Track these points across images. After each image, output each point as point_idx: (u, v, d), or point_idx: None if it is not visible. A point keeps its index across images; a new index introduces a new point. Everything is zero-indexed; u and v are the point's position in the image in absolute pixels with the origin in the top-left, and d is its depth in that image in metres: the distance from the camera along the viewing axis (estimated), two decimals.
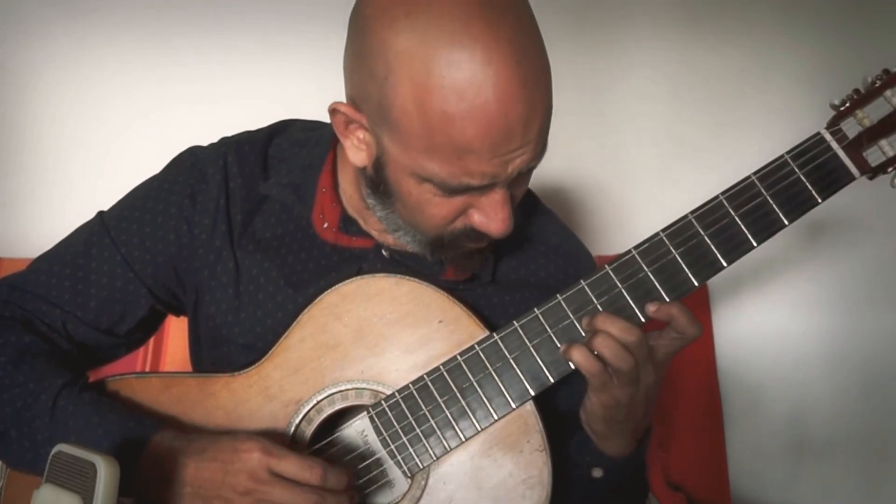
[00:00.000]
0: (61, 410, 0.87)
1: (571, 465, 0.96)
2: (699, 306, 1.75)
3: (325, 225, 0.96)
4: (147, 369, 1.56)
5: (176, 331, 1.56)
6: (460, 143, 0.76)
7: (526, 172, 0.84)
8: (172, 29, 1.71)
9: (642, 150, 1.82)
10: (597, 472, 0.95)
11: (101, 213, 1.01)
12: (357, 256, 0.96)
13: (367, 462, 0.93)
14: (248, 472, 0.81)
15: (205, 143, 1.04)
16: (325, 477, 0.81)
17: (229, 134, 1.05)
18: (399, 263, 0.96)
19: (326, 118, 0.89)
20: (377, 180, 0.86)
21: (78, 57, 1.70)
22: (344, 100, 0.86)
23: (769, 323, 1.83)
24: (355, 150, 0.87)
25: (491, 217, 0.83)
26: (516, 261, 1.01)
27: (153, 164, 1.04)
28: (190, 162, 1.00)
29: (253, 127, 1.06)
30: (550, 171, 1.76)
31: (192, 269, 0.98)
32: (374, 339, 0.92)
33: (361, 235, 0.97)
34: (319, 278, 0.95)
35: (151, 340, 1.52)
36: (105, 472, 0.69)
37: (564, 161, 1.80)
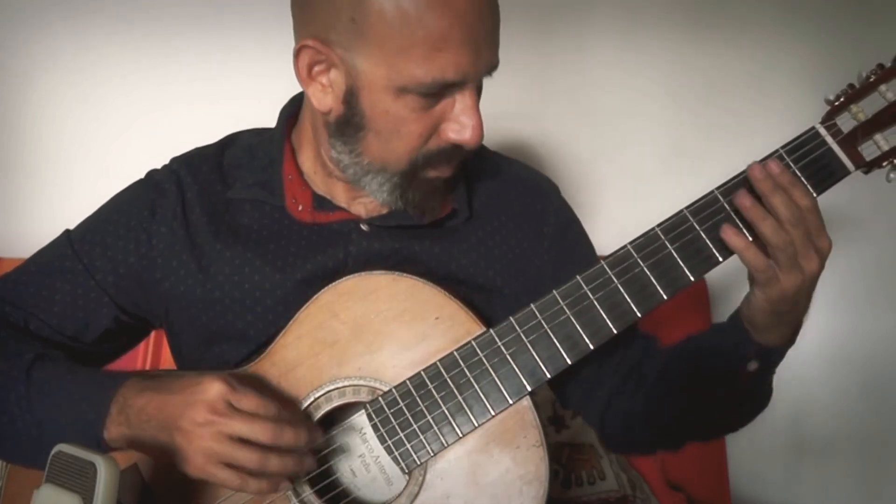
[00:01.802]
0: (35, 381, 0.89)
1: (716, 368, 0.94)
2: (699, 306, 1.74)
3: (300, 208, 0.98)
4: (147, 367, 1.56)
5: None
6: (438, 30, 0.80)
7: (479, 87, 0.89)
8: (172, 29, 1.71)
9: (639, 146, 1.81)
10: (752, 366, 0.92)
11: (67, 231, 1.03)
12: (337, 232, 0.98)
13: (365, 458, 0.93)
14: (207, 403, 0.81)
15: (205, 140, 1.06)
16: (279, 412, 0.83)
17: (228, 133, 1.08)
18: (382, 231, 0.98)
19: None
20: (348, 115, 0.88)
21: (78, 57, 1.70)
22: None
23: None
24: (321, 95, 0.89)
25: (464, 124, 0.87)
26: (485, 195, 1.05)
27: (152, 164, 1.05)
28: (149, 182, 1.03)
29: (253, 125, 1.08)
30: (549, 169, 1.77)
31: (153, 280, 0.99)
32: (372, 335, 0.92)
33: (336, 210, 0.98)
34: (306, 261, 0.97)
35: (152, 338, 1.54)
36: (105, 472, 0.70)
37: (563, 159, 1.80)
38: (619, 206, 1.81)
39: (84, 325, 0.99)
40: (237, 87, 1.71)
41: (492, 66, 0.87)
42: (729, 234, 0.85)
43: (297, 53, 0.87)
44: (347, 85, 0.86)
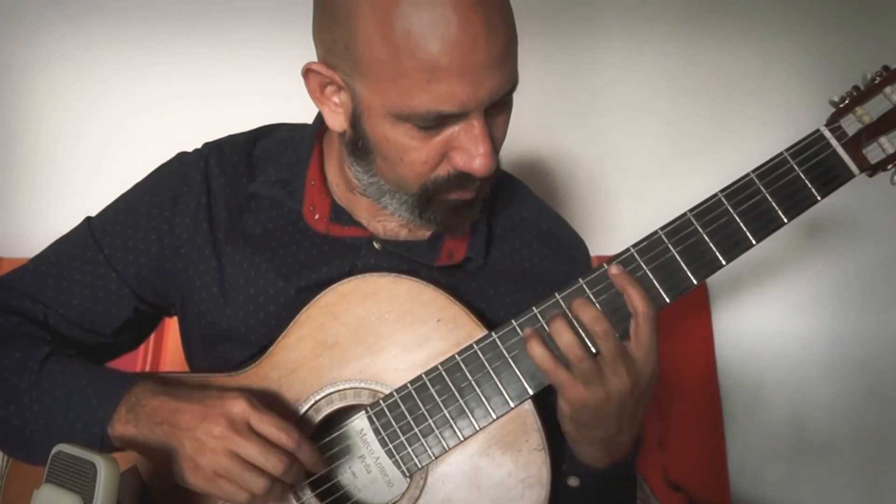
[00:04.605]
0: (48, 371, 0.89)
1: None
2: (699, 306, 1.74)
3: (317, 216, 0.97)
4: (147, 369, 1.55)
5: (175, 330, 1.56)
6: (427, 62, 0.76)
7: (499, 107, 0.83)
8: (175, 26, 1.70)
9: (642, 148, 1.81)
10: (573, 482, 0.93)
11: (88, 219, 1.02)
12: (349, 247, 0.97)
13: (366, 462, 0.92)
14: (227, 418, 0.81)
15: (204, 138, 1.04)
16: (300, 445, 0.83)
17: (229, 130, 1.06)
18: (392, 254, 0.96)
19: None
20: (355, 137, 0.87)
21: (77, 56, 1.70)
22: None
23: (769, 323, 1.83)
24: (333, 115, 0.88)
25: (471, 153, 0.82)
26: (509, 245, 1.02)
27: (152, 161, 1.04)
28: (175, 167, 1.01)
29: (252, 123, 1.07)
30: (550, 167, 1.77)
31: (175, 270, 0.99)
32: (373, 338, 0.91)
33: (353, 224, 0.97)
34: (311, 271, 0.96)
35: (151, 340, 1.54)
36: (105, 472, 0.70)
37: (563, 158, 1.79)
38: (625, 209, 1.80)
39: (104, 317, 0.98)
40: (237, 84, 1.71)
41: (502, 92, 0.80)
42: (527, 334, 0.85)
43: (304, 75, 0.87)
44: (352, 107, 0.85)
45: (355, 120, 0.85)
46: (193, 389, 0.87)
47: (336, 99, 0.86)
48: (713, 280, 1.77)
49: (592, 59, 1.79)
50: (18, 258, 1.60)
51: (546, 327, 0.86)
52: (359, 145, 0.87)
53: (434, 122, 0.80)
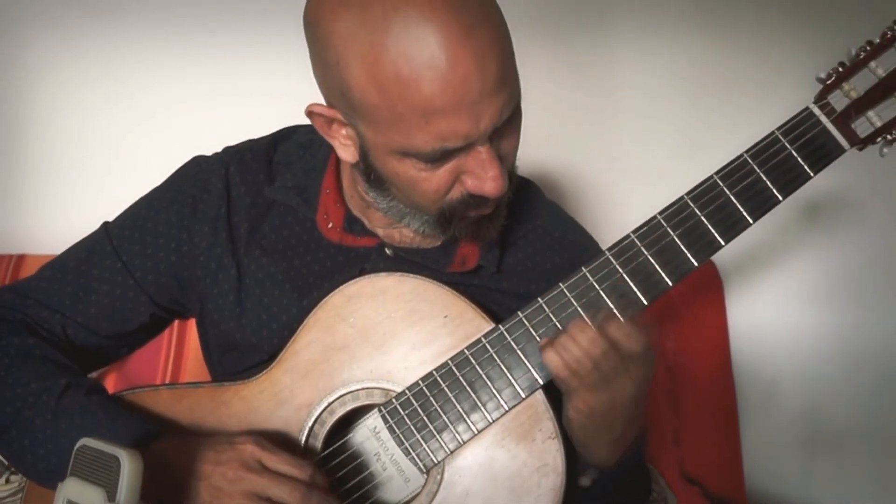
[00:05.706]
0: (65, 410, 0.88)
1: None
2: (714, 300, 1.74)
3: (330, 225, 0.98)
4: (168, 375, 1.55)
5: (196, 337, 1.55)
6: (421, 104, 0.75)
7: (505, 126, 0.82)
8: (192, 27, 1.69)
9: (650, 152, 1.79)
10: (584, 481, 0.95)
11: (105, 224, 1.03)
12: (361, 255, 0.97)
13: (382, 460, 0.93)
14: (239, 461, 0.83)
15: (223, 138, 1.06)
16: (313, 479, 0.84)
17: (247, 130, 1.07)
18: (403, 260, 0.97)
19: None
20: (367, 170, 0.88)
21: (102, 52, 1.69)
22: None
23: (784, 317, 1.82)
24: (343, 148, 0.88)
25: (482, 178, 0.82)
26: (522, 252, 1.02)
27: (171, 158, 1.05)
28: (193, 172, 1.02)
29: (269, 124, 1.08)
30: (558, 171, 1.77)
31: (194, 278, 0.99)
32: (381, 337, 0.92)
33: (367, 234, 0.98)
34: (324, 281, 0.96)
35: (172, 349, 1.56)
36: (129, 466, 0.70)
37: (571, 162, 1.79)
38: (634, 212, 1.79)
39: (122, 324, 0.99)
40: (258, 84, 1.70)
41: (504, 117, 0.80)
42: (542, 346, 0.88)
43: (308, 117, 0.88)
44: (359, 143, 0.86)
45: (364, 154, 0.86)
46: (205, 437, 0.88)
47: (344, 132, 0.87)
48: (728, 274, 1.77)
49: (600, 63, 1.78)
50: (43, 255, 1.60)
51: (558, 326, 0.89)
52: (372, 177, 0.88)
53: (440, 156, 0.81)
